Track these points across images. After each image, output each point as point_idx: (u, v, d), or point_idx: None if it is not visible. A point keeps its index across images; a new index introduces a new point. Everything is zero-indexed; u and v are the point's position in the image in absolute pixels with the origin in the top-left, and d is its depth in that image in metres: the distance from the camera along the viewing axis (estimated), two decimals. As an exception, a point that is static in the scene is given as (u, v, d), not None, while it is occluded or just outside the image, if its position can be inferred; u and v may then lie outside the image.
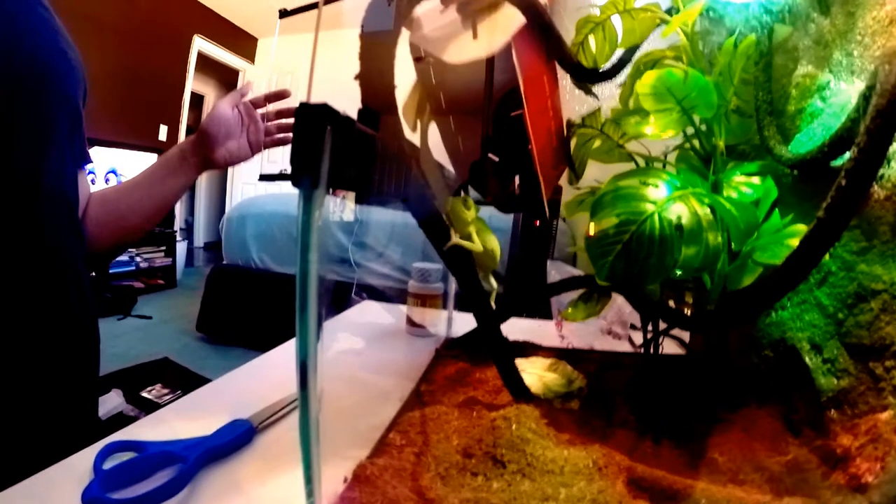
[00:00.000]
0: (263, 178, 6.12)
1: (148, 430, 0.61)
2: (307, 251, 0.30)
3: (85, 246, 0.87)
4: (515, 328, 0.82)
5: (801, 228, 0.50)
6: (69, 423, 0.80)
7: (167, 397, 2.40)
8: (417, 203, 0.52)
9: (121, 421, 2.12)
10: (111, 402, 2.18)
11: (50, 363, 0.77)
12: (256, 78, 7.19)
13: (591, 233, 0.50)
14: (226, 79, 7.59)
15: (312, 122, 0.31)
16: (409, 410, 0.60)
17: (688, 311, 0.65)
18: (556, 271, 1.08)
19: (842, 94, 0.58)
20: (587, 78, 0.69)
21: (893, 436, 0.45)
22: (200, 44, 6.28)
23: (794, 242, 0.47)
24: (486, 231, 0.69)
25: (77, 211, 0.86)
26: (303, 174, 0.30)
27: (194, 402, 0.71)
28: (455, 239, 0.58)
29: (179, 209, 6.18)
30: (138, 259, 5.21)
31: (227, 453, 0.57)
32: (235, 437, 0.58)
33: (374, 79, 0.45)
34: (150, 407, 2.30)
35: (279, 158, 6.81)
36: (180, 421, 0.65)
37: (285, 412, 0.66)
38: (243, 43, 7.11)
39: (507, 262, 1.95)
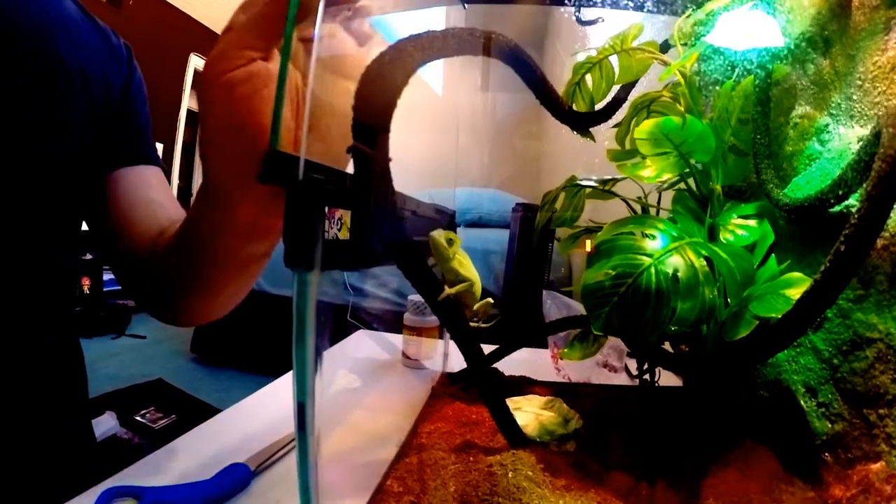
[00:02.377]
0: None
1: (146, 473, 0.61)
2: (304, 331, 0.29)
3: (77, 259, 0.81)
4: (511, 360, 0.82)
5: (798, 277, 0.50)
6: (63, 448, 0.77)
7: (161, 421, 2.38)
8: (405, 256, 0.52)
9: (115, 445, 2.11)
10: (105, 424, 2.16)
11: (34, 383, 0.72)
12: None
13: (588, 281, 0.50)
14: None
15: (306, 200, 0.30)
16: (406, 455, 0.60)
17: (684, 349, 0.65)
18: (552, 301, 1.08)
19: (840, 138, 0.58)
20: (582, 124, 0.69)
21: (885, 486, 0.46)
22: (197, 62, 6.29)
23: (791, 293, 0.47)
24: (467, 264, 0.69)
25: (78, 223, 0.79)
26: (297, 256, 0.29)
27: (191, 443, 0.70)
28: (448, 290, 0.58)
29: (174, 226, 6.15)
30: (133, 277, 5.17)
31: (226, 499, 0.57)
32: (233, 482, 0.58)
33: (376, 97, 0.44)
34: (143, 431, 2.29)
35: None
36: (177, 462, 0.65)
37: (282, 454, 0.65)
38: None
39: (503, 285, 1.94)
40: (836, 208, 0.52)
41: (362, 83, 0.42)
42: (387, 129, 0.44)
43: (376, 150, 0.43)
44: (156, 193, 0.80)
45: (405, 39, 0.45)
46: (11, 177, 0.65)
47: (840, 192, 0.48)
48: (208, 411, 2.67)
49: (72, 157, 0.71)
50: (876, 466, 0.47)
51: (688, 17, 0.66)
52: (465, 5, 0.93)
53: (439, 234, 0.66)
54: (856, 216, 0.40)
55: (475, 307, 0.71)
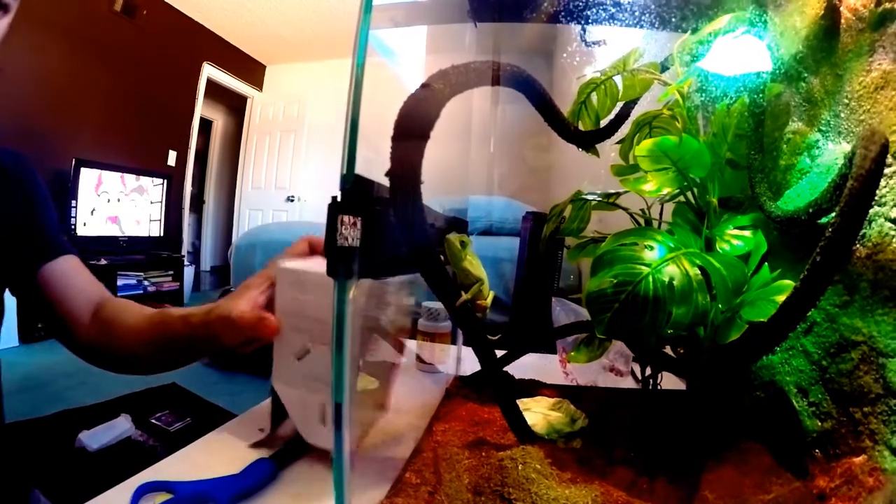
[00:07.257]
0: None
1: (175, 468, 0.65)
2: (342, 327, 0.33)
3: None
4: (521, 365, 0.85)
5: (787, 284, 0.53)
6: None
7: (176, 424, 2.41)
8: (427, 264, 0.56)
9: (130, 447, 2.14)
10: (120, 426, 2.19)
11: None
12: (264, 104, 7.25)
13: (591, 288, 0.54)
14: (234, 104, 7.67)
15: (346, 214, 0.34)
16: (423, 451, 0.64)
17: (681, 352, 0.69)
18: (560, 308, 1.12)
19: (829, 153, 0.62)
20: (589, 142, 0.73)
21: (867, 478, 0.49)
22: (209, 70, 6.35)
23: (780, 299, 0.51)
24: (477, 265, 0.76)
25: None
26: (337, 265, 0.34)
27: (212, 441, 0.74)
28: (464, 296, 0.62)
29: (186, 233, 6.18)
30: (146, 283, 5.20)
31: (256, 491, 0.61)
32: (261, 476, 0.62)
33: (412, 130, 0.49)
34: (158, 433, 2.32)
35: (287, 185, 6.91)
36: (204, 458, 0.68)
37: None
38: (251, 70, 7.19)
39: (513, 292, 1.97)
40: (825, 219, 0.55)
41: (400, 117, 0.47)
42: (420, 157, 0.49)
43: (411, 174, 0.47)
44: (81, 278, 0.95)
45: (435, 77, 0.50)
46: None
47: (811, 211, 0.52)
48: (222, 414, 2.71)
49: None
50: (858, 460, 0.51)
51: (691, 34, 0.69)
52: (476, 24, 0.97)
53: (454, 238, 0.73)
54: (830, 230, 0.44)
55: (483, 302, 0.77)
